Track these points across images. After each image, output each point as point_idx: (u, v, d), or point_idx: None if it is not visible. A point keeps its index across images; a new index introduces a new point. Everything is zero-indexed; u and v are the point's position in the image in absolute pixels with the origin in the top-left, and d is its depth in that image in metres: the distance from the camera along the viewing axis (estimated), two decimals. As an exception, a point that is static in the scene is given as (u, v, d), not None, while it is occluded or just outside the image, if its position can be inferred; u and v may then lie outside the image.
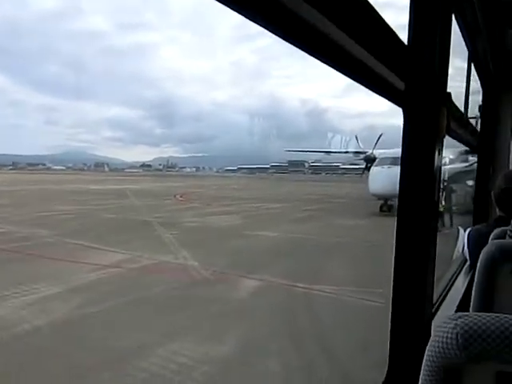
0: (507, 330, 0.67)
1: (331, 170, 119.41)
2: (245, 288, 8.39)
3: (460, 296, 2.25)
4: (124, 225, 17.01)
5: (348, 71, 0.98)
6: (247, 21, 0.67)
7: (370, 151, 28.49)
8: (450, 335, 0.68)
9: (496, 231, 1.69)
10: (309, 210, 23.61)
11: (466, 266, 2.65)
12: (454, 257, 3.05)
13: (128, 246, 12.23)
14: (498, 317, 0.69)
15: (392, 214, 20.11)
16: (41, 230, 14.65)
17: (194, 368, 5.25)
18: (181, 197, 32.68)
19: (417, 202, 1.38)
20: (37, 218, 18.21)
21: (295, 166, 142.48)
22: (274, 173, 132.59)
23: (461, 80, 3.41)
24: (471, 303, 1.36)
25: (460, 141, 2.68)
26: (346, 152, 34.67)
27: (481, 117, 3.77)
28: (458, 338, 0.68)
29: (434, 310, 1.96)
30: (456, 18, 2.22)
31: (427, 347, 0.72)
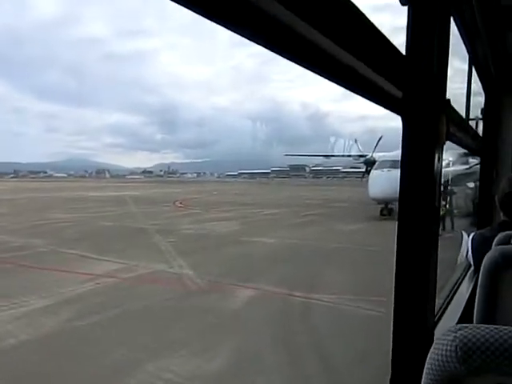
0: (506, 343, 0.66)
1: (332, 173, 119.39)
2: (240, 298, 8.17)
3: (464, 301, 2.23)
4: (121, 233, 16.82)
5: (345, 83, 0.98)
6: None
7: (370, 154, 28.33)
8: (449, 347, 0.68)
9: (500, 236, 1.66)
10: (309, 215, 23.38)
11: (470, 271, 2.64)
12: (459, 261, 3.01)
13: (123, 254, 12.05)
14: (497, 329, 0.69)
15: (392, 217, 19.91)
16: (36, 240, 14.46)
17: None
18: (180, 203, 32.51)
19: (417, 209, 1.37)
20: (33, 226, 18.06)
21: (296, 171, 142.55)
22: (275, 177, 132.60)
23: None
24: (475, 310, 1.34)
25: (461, 145, 2.64)
26: (346, 156, 34.58)
27: (483, 120, 3.74)
28: (458, 350, 0.67)
29: (437, 317, 1.96)
30: (455, 22, 2.25)
31: (427, 359, 0.72)
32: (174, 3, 0.55)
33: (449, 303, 2.37)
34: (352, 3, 0.84)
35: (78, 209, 26.47)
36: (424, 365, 0.72)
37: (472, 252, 2.42)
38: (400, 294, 1.42)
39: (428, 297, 1.44)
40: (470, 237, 2.48)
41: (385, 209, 21.60)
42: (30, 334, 6.36)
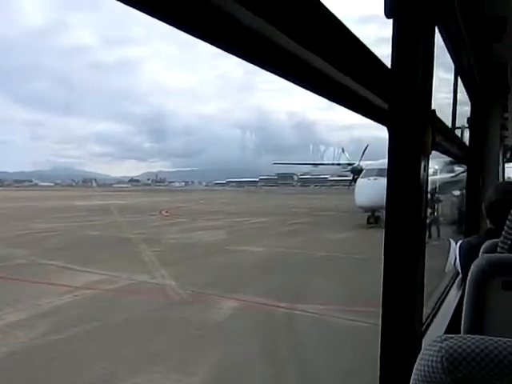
0: (492, 353, 0.66)
1: (320, 182, 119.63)
2: (223, 310, 7.97)
3: (452, 310, 2.25)
4: (104, 243, 16.48)
5: (332, 96, 0.98)
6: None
7: (357, 163, 28.44)
8: (435, 358, 0.68)
9: (486, 244, 1.66)
10: (296, 224, 23.27)
11: (458, 279, 2.66)
12: (447, 269, 3.03)
13: (106, 265, 11.77)
14: (483, 339, 0.69)
15: (379, 225, 19.91)
16: (18, 250, 14.10)
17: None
18: (166, 212, 32.19)
19: (404, 218, 1.38)
20: (15, 236, 17.65)
21: (284, 179, 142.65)
22: (263, 186, 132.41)
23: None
24: (462, 318, 1.33)
25: (447, 154, 2.70)
26: (334, 164, 34.67)
27: (469, 129, 3.76)
28: (444, 361, 0.67)
29: (426, 326, 1.97)
30: (441, 33, 2.32)
31: (414, 370, 0.71)
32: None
33: (437, 311, 2.38)
34: (336, 17, 0.84)
35: (63, 218, 26.00)
36: (411, 375, 0.72)
37: (460, 260, 2.42)
38: (387, 302, 1.42)
39: (415, 306, 1.44)
40: (458, 244, 2.48)
41: (371, 217, 21.60)
42: (2, 349, 6.10)
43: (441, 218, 17.97)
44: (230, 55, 0.66)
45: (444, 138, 2.02)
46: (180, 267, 11.68)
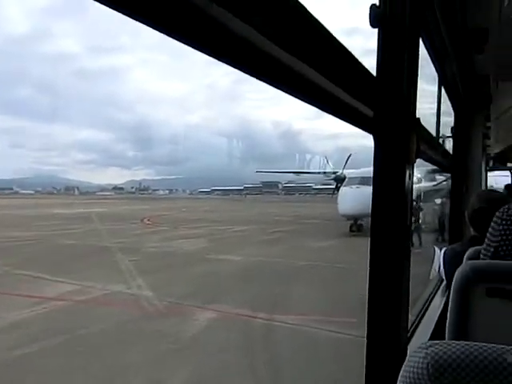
0: (477, 359, 0.67)
1: (304, 190, 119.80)
2: (199, 322, 7.68)
3: (437, 316, 2.27)
4: (82, 252, 16.01)
5: (318, 103, 1.00)
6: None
7: (340, 171, 28.55)
8: (420, 365, 0.68)
9: (470, 251, 1.66)
10: (278, 232, 23.06)
11: (442, 286, 2.69)
12: (431, 276, 3.02)
13: (80, 275, 11.39)
14: (468, 345, 0.69)
15: (362, 234, 19.87)
16: (-11, 260, 13.59)
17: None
18: (148, 220, 31.67)
19: (389, 225, 1.40)
20: (-12, 245, 17.08)
21: (269, 187, 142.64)
22: (248, 194, 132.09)
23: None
24: (446, 325, 1.33)
25: (431, 162, 2.74)
26: (317, 173, 34.78)
27: (453, 138, 3.85)
28: (429, 368, 0.67)
29: (410, 333, 1.98)
30: (424, 44, 2.31)
31: (399, 377, 0.72)
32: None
33: (422, 318, 2.40)
34: (323, 26, 0.86)
35: (41, 226, 25.37)
36: (397, 382, 0.71)
37: (444, 266, 2.44)
38: (373, 309, 1.42)
39: (401, 312, 1.46)
40: (442, 251, 2.50)
41: (354, 225, 21.54)
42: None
43: (423, 226, 18.01)
44: (218, 65, 0.63)
45: (429, 146, 2.05)
46: (158, 277, 11.37)
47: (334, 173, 30.22)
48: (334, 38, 0.91)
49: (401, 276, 1.43)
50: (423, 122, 1.72)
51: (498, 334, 1.06)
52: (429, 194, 19.98)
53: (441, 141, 3.85)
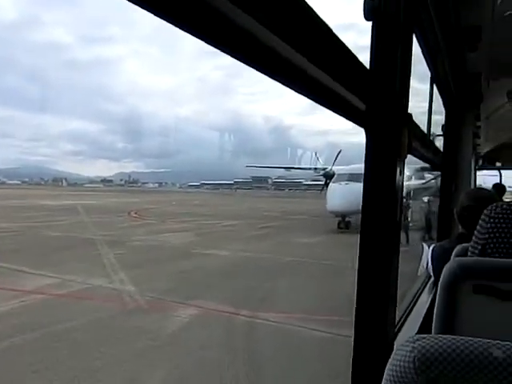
0: (463, 353, 0.67)
1: (294, 185, 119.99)
2: (180, 318, 7.49)
3: (424, 312, 2.29)
4: (65, 244, 15.69)
5: (310, 94, 0.99)
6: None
7: (330, 167, 28.46)
8: (407, 358, 0.68)
9: (458, 248, 1.67)
10: (267, 227, 22.93)
11: (430, 282, 2.72)
12: (419, 273, 3.04)
13: (62, 268, 11.14)
14: (454, 339, 0.70)
15: (350, 231, 19.82)
16: (-33, 251, 13.25)
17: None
18: (135, 213, 31.32)
19: (379, 221, 1.40)
20: (-32, 236, 16.69)
21: (259, 182, 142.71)
22: (238, 188, 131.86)
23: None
24: (433, 320, 1.33)
25: (422, 159, 2.73)
26: (310, 168, 34.68)
27: (444, 136, 3.84)
28: (416, 361, 0.67)
29: (398, 328, 1.99)
30: (418, 41, 2.30)
31: (386, 370, 0.72)
32: (141, 10, 0.55)
33: (409, 314, 2.42)
34: (320, 18, 0.86)
35: (25, 218, 24.93)
36: (383, 376, 0.72)
37: (432, 263, 2.48)
38: (361, 304, 1.43)
39: (388, 307, 1.47)
40: (431, 248, 2.54)
41: (342, 222, 21.48)
42: None
43: (410, 224, 18.00)
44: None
45: (420, 143, 2.06)
46: (141, 271, 11.17)
47: (324, 169, 30.12)
48: (329, 29, 0.92)
49: (389, 271, 1.44)
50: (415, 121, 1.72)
51: (484, 330, 1.05)
52: (418, 191, 19.99)
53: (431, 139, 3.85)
